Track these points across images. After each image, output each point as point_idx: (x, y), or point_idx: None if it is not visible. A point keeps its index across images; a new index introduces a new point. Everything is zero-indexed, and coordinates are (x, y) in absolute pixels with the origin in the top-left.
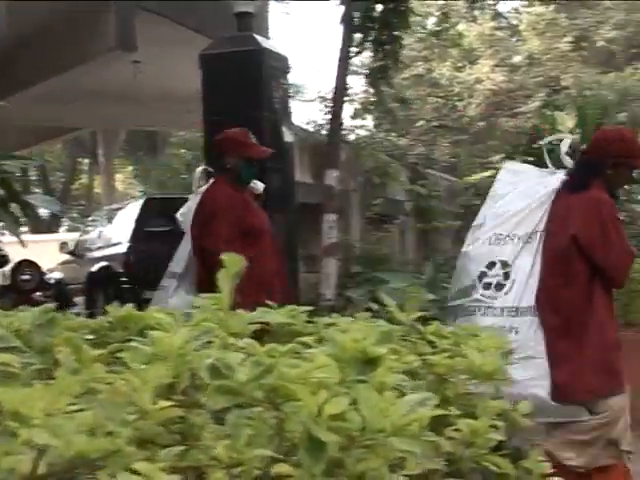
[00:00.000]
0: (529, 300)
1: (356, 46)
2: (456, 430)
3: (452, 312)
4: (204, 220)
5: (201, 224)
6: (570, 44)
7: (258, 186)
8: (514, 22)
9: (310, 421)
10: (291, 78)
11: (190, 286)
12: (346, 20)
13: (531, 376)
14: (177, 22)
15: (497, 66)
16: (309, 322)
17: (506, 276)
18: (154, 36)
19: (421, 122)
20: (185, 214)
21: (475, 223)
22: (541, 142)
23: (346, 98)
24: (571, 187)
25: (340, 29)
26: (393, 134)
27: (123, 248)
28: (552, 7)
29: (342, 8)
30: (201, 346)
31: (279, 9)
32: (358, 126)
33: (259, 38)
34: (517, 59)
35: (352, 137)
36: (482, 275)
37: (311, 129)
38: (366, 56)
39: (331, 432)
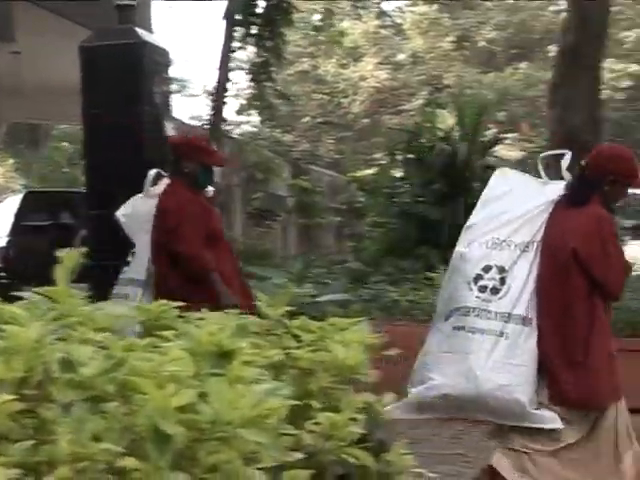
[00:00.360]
0: (522, 309)
1: (238, 42)
2: (317, 423)
3: (445, 311)
4: (173, 225)
5: (169, 229)
6: (452, 43)
7: (209, 189)
8: (398, 21)
9: (156, 414)
10: (176, 73)
11: (152, 292)
12: (228, 15)
13: (515, 382)
14: (57, 13)
15: (381, 64)
16: (180, 317)
17: (502, 281)
18: (34, 27)
19: (306, 118)
20: (130, 215)
21: (466, 225)
22: (421, 139)
23: (231, 93)
24: (570, 201)
25: (223, 24)
26: (278, 130)
27: (2, 242)
28: (435, 7)
29: (225, 3)
30: (57, 340)
31: (163, 3)
32: (243, 121)
33: (140, 31)
34: (401, 57)
35: (237, 132)
36: (478, 277)
37: (195, 124)
38: (251, 52)
39: (180, 425)
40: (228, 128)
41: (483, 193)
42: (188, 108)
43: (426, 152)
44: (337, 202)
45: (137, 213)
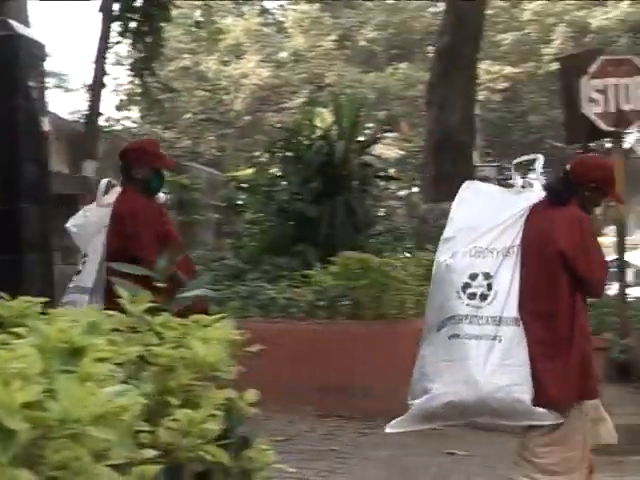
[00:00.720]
0: (511, 311)
1: (116, 36)
2: (174, 420)
3: (436, 322)
4: (131, 231)
5: (127, 235)
6: (334, 43)
7: (160, 195)
8: (280, 19)
9: (0, 410)
10: (55, 67)
11: (101, 299)
12: (105, 10)
13: (514, 382)
14: None
15: (263, 62)
16: (43, 314)
17: (489, 287)
18: None
19: (188, 115)
20: (82, 225)
21: (444, 237)
22: (300, 137)
23: (111, 89)
24: (551, 201)
25: (100, 19)
26: (159, 126)
27: None
28: (317, 6)
29: None
30: None
31: None
32: (123, 117)
33: (14, 24)
34: (283, 55)
35: (117, 128)
36: (466, 286)
37: (73, 119)
38: (131, 47)
39: (26, 421)
40: (106, 124)
41: (453, 204)
42: (67, 103)
43: (304, 150)
44: (216, 199)
45: (88, 222)
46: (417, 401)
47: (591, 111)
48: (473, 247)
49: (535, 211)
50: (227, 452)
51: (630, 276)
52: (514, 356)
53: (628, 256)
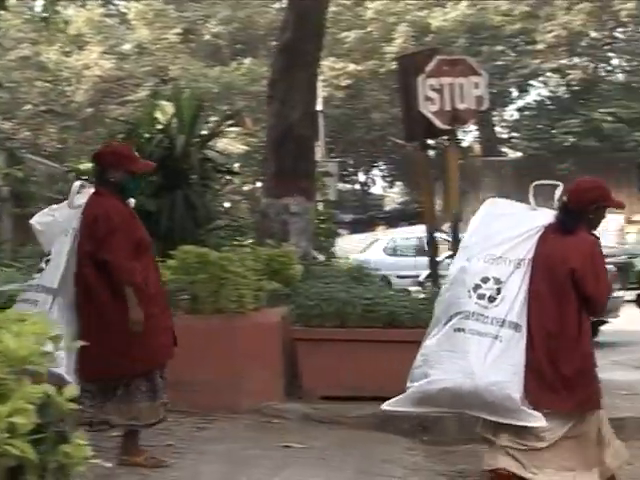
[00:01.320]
0: (514, 316)
1: None
2: None
3: (444, 317)
4: (102, 234)
5: (98, 238)
6: (178, 36)
7: (130, 200)
8: (123, 10)
9: None
10: None
11: (67, 301)
12: None
13: (507, 380)
14: None
15: (106, 53)
16: None
17: (498, 291)
18: None
19: (28, 106)
20: (48, 224)
21: (464, 244)
22: (140, 130)
23: None
24: (562, 230)
25: None
26: None
27: None
28: None
29: None
30: None
31: None
32: None
33: None
34: (126, 47)
35: None
36: (477, 287)
37: None
38: None
39: None
40: None
41: (474, 218)
42: None
43: (144, 144)
44: (55, 192)
45: (56, 222)
46: (416, 384)
47: (428, 109)
48: (488, 254)
49: (548, 233)
50: (42, 447)
51: None
52: (511, 357)
53: None
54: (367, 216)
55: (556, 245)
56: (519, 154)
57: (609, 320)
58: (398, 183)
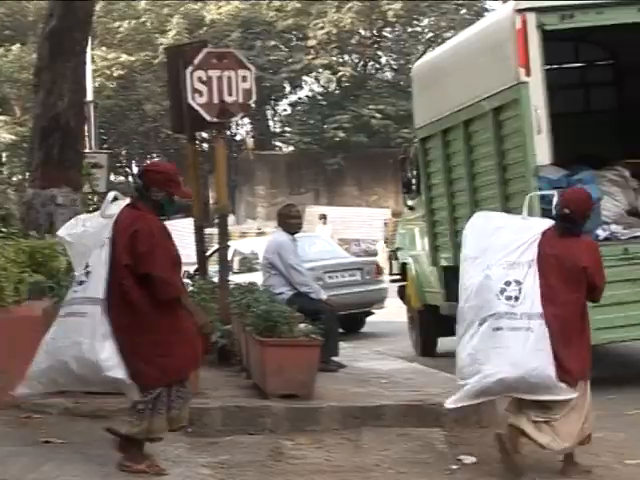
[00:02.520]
0: (537, 308)
1: None
2: None
3: (476, 319)
4: (145, 249)
5: (140, 252)
6: None
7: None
8: None
9: None
10: None
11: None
12: None
13: (545, 363)
14: None
15: None
16: None
17: (519, 291)
18: None
19: None
20: (80, 235)
21: (471, 255)
22: None
23: None
24: (567, 235)
25: None
26: None
27: None
28: None
29: None
30: None
31: None
32: None
33: None
34: None
35: None
36: (502, 290)
37: None
38: None
39: None
40: None
41: (466, 229)
42: None
43: None
44: None
45: (87, 232)
46: (471, 380)
47: (196, 101)
48: (505, 261)
49: (550, 236)
50: None
51: (236, 264)
52: (541, 342)
53: (238, 244)
54: None
55: (565, 247)
56: (292, 148)
57: (374, 311)
58: None
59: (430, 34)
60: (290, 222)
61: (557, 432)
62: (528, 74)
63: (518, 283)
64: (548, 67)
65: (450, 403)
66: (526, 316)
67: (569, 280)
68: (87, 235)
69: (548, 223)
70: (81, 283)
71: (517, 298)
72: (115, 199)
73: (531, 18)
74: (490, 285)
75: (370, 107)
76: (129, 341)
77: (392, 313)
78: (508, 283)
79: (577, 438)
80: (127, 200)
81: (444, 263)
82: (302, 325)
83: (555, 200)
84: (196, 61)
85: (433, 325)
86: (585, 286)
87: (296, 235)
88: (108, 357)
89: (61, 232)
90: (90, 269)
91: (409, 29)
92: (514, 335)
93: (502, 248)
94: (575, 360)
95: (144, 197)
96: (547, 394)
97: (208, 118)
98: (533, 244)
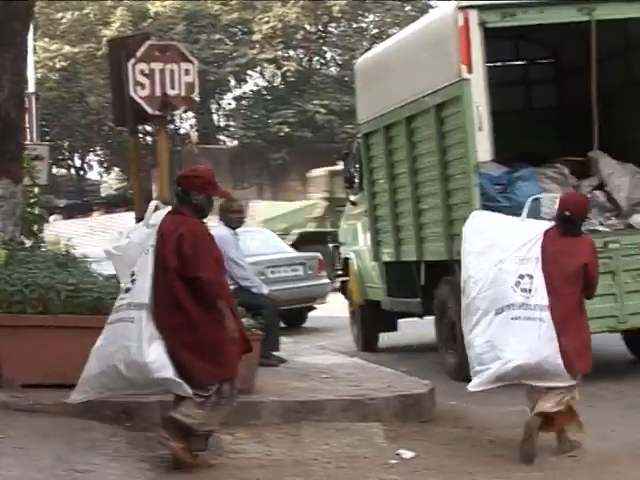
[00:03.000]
0: (545, 301)
1: None
2: None
3: (492, 309)
4: (191, 252)
5: (187, 256)
6: None
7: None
8: None
9: None
10: None
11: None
12: None
13: (555, 351)
14: None
15: None
16: None
17: (531, 284)
18: None
19: None
20: (124, 248)
21: (476, 250)
22: None
23: None
24: (570, 234)
25: None
26: None
27: None
28: None
29: None
30: None
31: None
32: None
33: None
34: None
35: None
36: (517, 283)
37: None
38: None
39: None
40: None
41: (466, 226)
42: None
43: None
44: None
45: (132, 243)
46: (492, 366)
47: (138, 94)
48: (516, 256)
49: (552, 236)
50: None
51: None
52: (551, 332)
53: None
54: (83, 201)
55: (567, 245)
56: (236, 143)
57: (316, 306)
58: (115, 169)
59: (375, 30)
60: (231, 217)
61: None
62: (470, 71)
63: (530, 277)
64: (490, 64)
65: (472, 387)
66: (538, 307)
67: (569, 276)
68: (132, 246)
69: (547, 224)
70: (127, 290)
71: (530, 290)
72: (157, 208)
73: (473, 16)
74: (505, 278)
75: (315, 102)
76: (181, 341)
77: (334, 308)
78: (522, 276)
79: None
80: (168, 208)
81: (386, 258)
82: (243, 320)
83: (557, 203)
84: (138, 54)
85: (374, 320)
86: (582, 282)
87: (238, 229)
88: (156, 359)
89: (109, 249)
90: (135, 276)
91: (354, 25)
92: (529, 324)
93: (511, 245)
94: (575, 353)
95: (185, 202)
96: (554, 381)
97: (150, 111)
98: (538, 242)
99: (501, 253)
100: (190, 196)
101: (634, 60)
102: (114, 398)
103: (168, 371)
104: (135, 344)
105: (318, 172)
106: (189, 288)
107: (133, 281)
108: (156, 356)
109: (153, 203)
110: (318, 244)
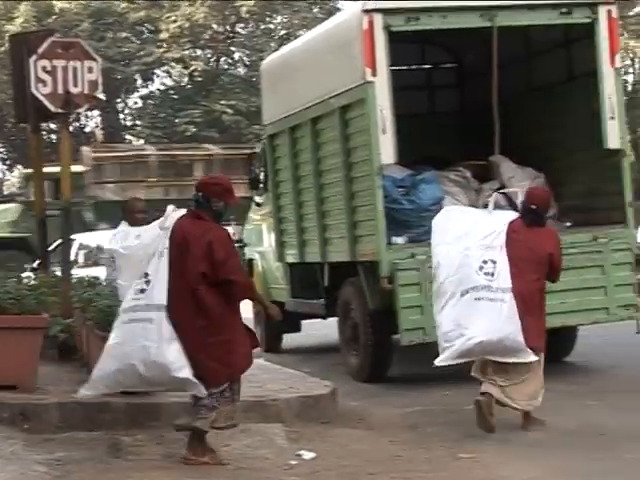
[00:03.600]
0: (508, 284)
1: None
2: None
3: (457, 291)
4: (223, 257)
5: (217, 260)
6: None
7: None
8: None
9: None
10: None
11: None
12: None
13: (516, 330)
14: None
15: None
16: None
17: (494, 268)
18: None
19: None
20: (135, 246)
21: (447, 241)
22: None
23: None
24: (535, 224)
25: None
26: None
27: None
28: None
29: None
30: None
31: None
32: None
33: None
34: None
35: None
36: (481, 267)
37: None
38: None
39: None
40: None
41: (437, 219)
42: None
43: None
44: None
45: (144, 243)
46: (457, 342)
47: (39, 92)
48: (481, 244)
49: (517, 227)
50: None
51: (81, 257)
52: (513, 312)
53: (83, 237)
54: None
55: (533, 234)
56: (142, 142)
57: None
58: (19, 167)
59: (283, 32)
60: (134, 216)
61: (522, 392)
62: (374, 74)
63: (493, 262)
64: (395, 68)
65: (438, 362)
66: (500, 290)
67: (534, 262)
68: (142, 246)
69: (513, 215)
70: (142, 291)
71: (492, 274)
72: (173, 211)
73: (377, 19)
74: (470, 263)
75: (222, 102)
76: (201, 342)
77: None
78: (485, 262)
79: (536, 397)
80: (181, 212)
81: (290, 259)
82: None
83: (521, 197)
84: (40, 50)
85: (278, 321)
86: (546, 268)
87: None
88: (175, 359)
89: (113, 245)
90: (150, 278)
91: (262, 26)
92: (492, 305)
93: (477, 234)
94: (536, 333)
95: (205, 207)
96: (516, 357)
97: (52, 109)
98: (502, 232)
99: (468, 241)
100: (211, 202)
101: (534, 67)
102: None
103: (186, 371)
104: (155, 344)
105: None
106: (213, 291)
107: (147, 282)
108: (176, 356)
109: (171, 207)
110: (13, 249)
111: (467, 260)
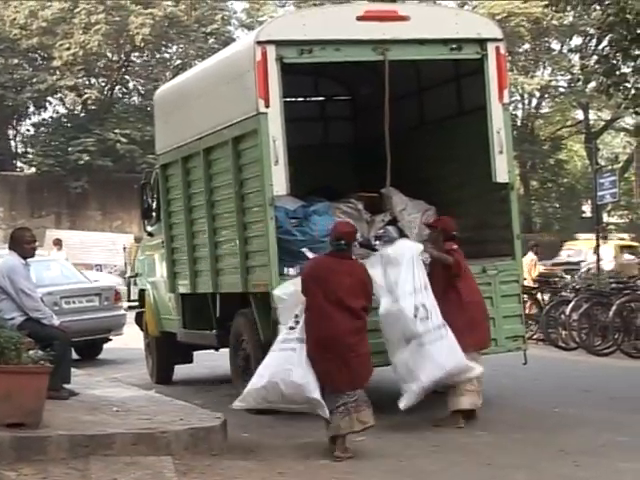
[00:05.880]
0: (440, 319)
1: None
2: None
3: (403, 339)
4: (370, 289)
5: (368, 292)
6: None
7: None
8: None
9: None
10: None
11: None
12: None
13: (458, 358)
14: None
15: None
16: None
17: (426, 311)
18: None
19: None
20: (292, 293)
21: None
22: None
23: None
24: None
25: None
26: None
27: None
28: None
29: None
30: None
31: None
32: None
33: None
34: None
35: None
36: (415, 315)
37: None
38: None
39: None
40: None
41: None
42: None
43: None
44: None
45: (297, 290)
46: (414, 385)
47: None
48: (407, 290)
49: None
50: None
51: None
52: (452, 343)
53: None
54: None
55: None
56: (33, 170)
57: (111, 338)
58: None
59: (178, 61)
60: (24, 247)
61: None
62: (267, 105)
63: (424, 306)
64: (288, 99)
65: (403, 406)
66: (437, 328)
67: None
68: (296, 293)
69: (413, 244)
70: (292, 328)
71: (427, 317)
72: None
73: (271, 50)
74: (405, 315)
75: (116, 131)
76: (348, 358)
77: (130, 339)
78: (417, 307)
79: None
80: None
81: (182, 290)
82: (31, 352)
83: (416, 229)
84: None
85: (170, 352)
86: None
87: (31, 259)
88: (309, 382)
89: (277, 292)
90: (299, 319)
91: (157, 55)
92: (435, 346)
93: (399, 281)
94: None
95: (348, 250)
96: (465, 376)
97: None
98: (419, 268)
99: (397, 292)
100: (351, 245)
101: (426, 100)
102: None
103: (317, 393)
104: (296, 368)
105: None
106: (350, 315)
107: (297, 322)
108: (309, 379)
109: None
110: None
111: (402, 314)
